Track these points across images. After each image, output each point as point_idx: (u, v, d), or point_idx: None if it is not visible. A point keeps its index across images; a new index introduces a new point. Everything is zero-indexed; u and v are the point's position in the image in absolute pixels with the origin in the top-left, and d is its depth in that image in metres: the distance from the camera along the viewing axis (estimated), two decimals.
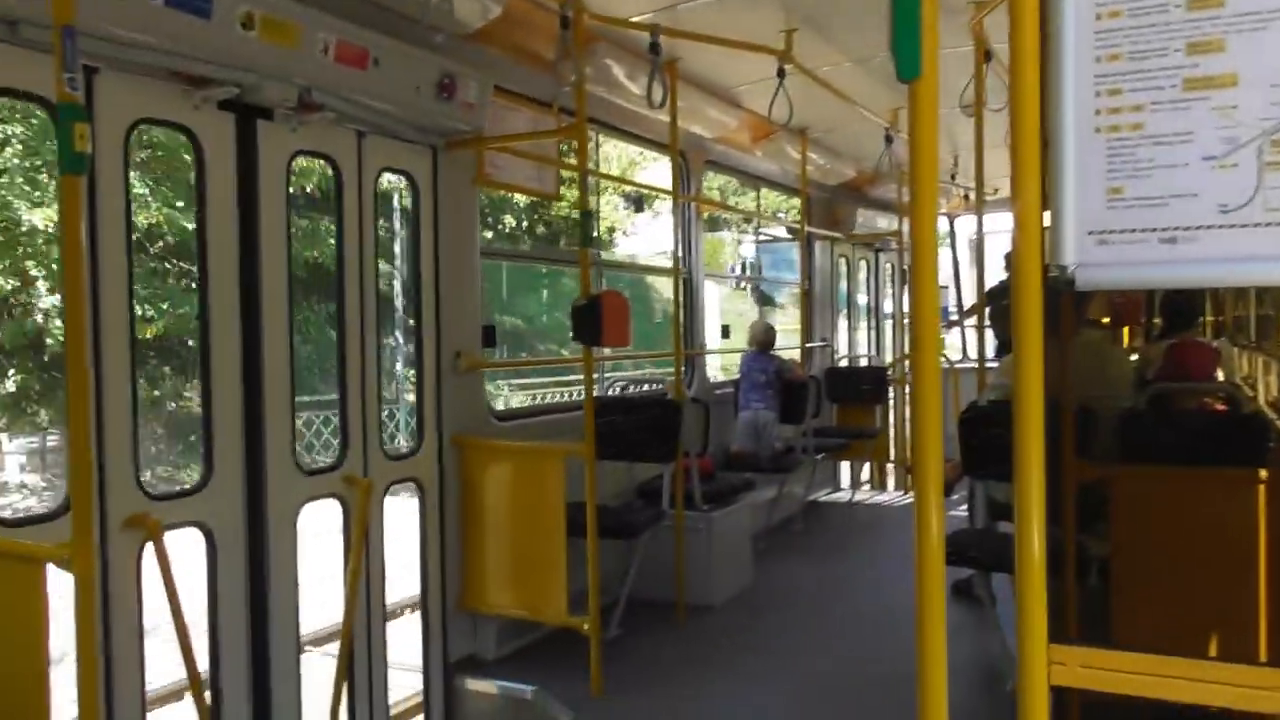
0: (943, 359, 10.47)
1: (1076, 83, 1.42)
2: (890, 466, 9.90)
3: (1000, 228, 7.03)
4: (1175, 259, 1.39)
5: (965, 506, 5.63)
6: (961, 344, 11.57)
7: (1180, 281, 1.50)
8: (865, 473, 9.71)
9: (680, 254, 5.79)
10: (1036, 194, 1.42)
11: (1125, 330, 5.92)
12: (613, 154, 16.91)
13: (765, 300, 14.06)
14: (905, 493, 9.14)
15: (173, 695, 6.04)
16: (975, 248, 7.15)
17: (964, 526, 5.09)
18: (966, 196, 10.13)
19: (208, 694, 3.39)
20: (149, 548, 3.12)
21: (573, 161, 4.94)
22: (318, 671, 4.00)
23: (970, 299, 11.48)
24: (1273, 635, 3.17)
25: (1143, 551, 3.42)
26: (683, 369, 5.79)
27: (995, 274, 7.36)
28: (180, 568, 3.15)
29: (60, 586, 2.40)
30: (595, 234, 4.71)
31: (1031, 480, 1.44)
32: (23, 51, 2.78)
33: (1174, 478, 3.44)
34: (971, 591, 5.55)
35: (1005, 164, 1.54)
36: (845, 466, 9.45)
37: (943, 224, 11.12)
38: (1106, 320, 5.46)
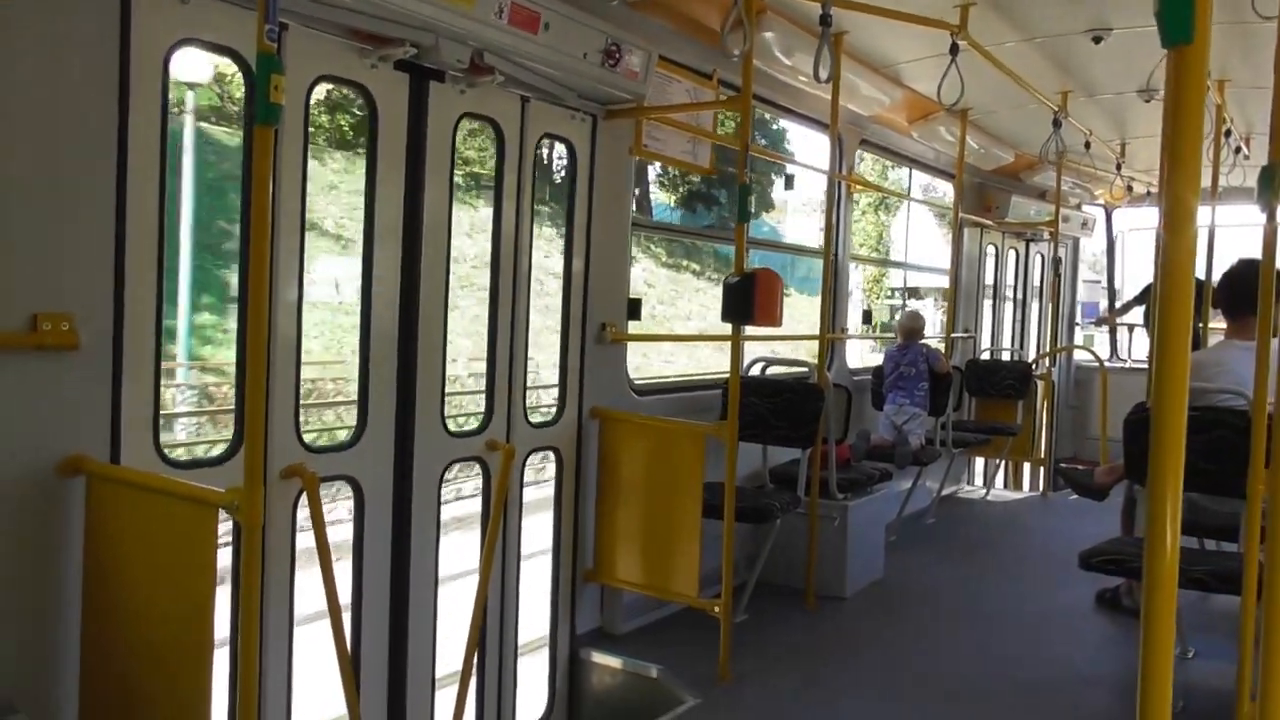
0: (1090, 357, 10.04)
1: None
2: (1028, 465, 9.52)
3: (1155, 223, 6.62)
4: None
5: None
6: (1111, 343, 11.04)
7: None
8: (1001, 471, 9.36)
9: (830, 235, 5.63)
10: None
11: None
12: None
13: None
14: (1043, 494, 8.76)
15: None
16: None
17: (1116, 535, 4.82)
18: (1130, 187, 9.59)
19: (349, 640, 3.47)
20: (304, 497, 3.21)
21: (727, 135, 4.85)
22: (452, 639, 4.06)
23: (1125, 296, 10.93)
24: None
25: None
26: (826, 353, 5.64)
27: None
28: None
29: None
30: (750, 210, 4.57)
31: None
32: (216, 4, 2.85)
33: None
34: (1119, 602, 5.28)
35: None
36: (979, 463, 9.12)
37: (1099, 215, 10.57)
38: None
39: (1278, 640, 1.27)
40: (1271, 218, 2.94)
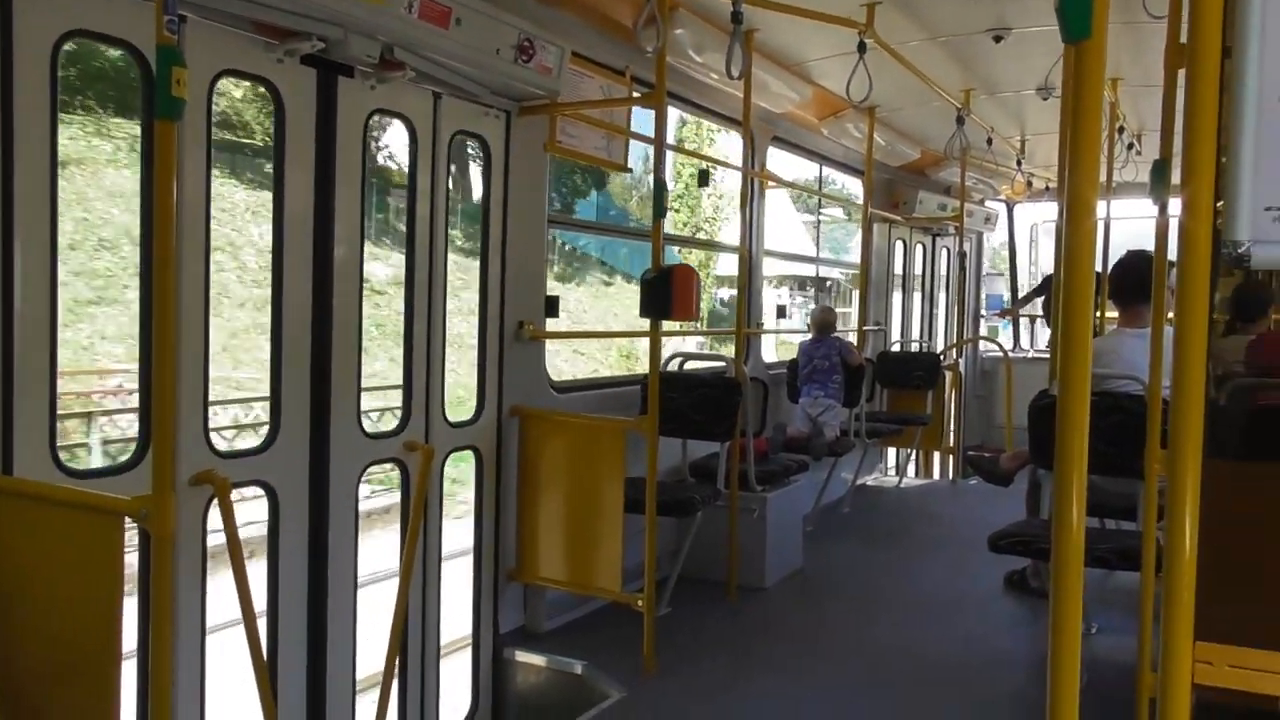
0: (995, 348, 10.33)
1: (1263, 47, 1.32)
2: (938, 454, 9.78)
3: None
4: None
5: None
6: (1014, 334, 11.41)
7: None
8: (912, 460, 9.60)
9: (745, 230, 5.69)
10: (1210, 167, 1.32)
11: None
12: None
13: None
14: (953, 481, 9.01)
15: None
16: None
17: (1022, 518, 4.99)
18: (1030, 183, 9.92)
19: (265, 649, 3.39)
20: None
21: (641, 132, 4.86)
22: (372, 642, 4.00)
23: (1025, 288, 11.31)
24: None
25: (1225, 547, 3.31)
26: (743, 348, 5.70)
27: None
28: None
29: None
30: (666, 206, 4.59)
31: (1187, 473, 1.35)
32: None
33: (1259, 473, 3.32)
34: (1026, 583, 5.46)
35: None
36: (892, 452, 9.33)
37: (1002, 210, 10.91)
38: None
39: (1176, 613, 1.33)
40: (1164, 210, 3.08)
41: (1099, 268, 7.06)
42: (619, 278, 22.58)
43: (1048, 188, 10.04)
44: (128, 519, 2.36)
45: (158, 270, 2.21)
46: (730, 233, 14.65)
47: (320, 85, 3.45)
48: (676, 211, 24.63)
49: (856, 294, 8.24)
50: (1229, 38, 1.34)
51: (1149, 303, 4.43)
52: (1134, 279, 4.53)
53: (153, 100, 2.18)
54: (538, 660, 4.46)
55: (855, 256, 8.98)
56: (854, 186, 9.08)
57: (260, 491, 3.47)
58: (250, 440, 10.44)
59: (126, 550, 2.50)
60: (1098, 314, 6.81)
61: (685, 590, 5.07)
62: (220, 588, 3.20)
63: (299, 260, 3.45)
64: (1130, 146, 7.82)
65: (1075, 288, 1.40)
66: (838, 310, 9.36)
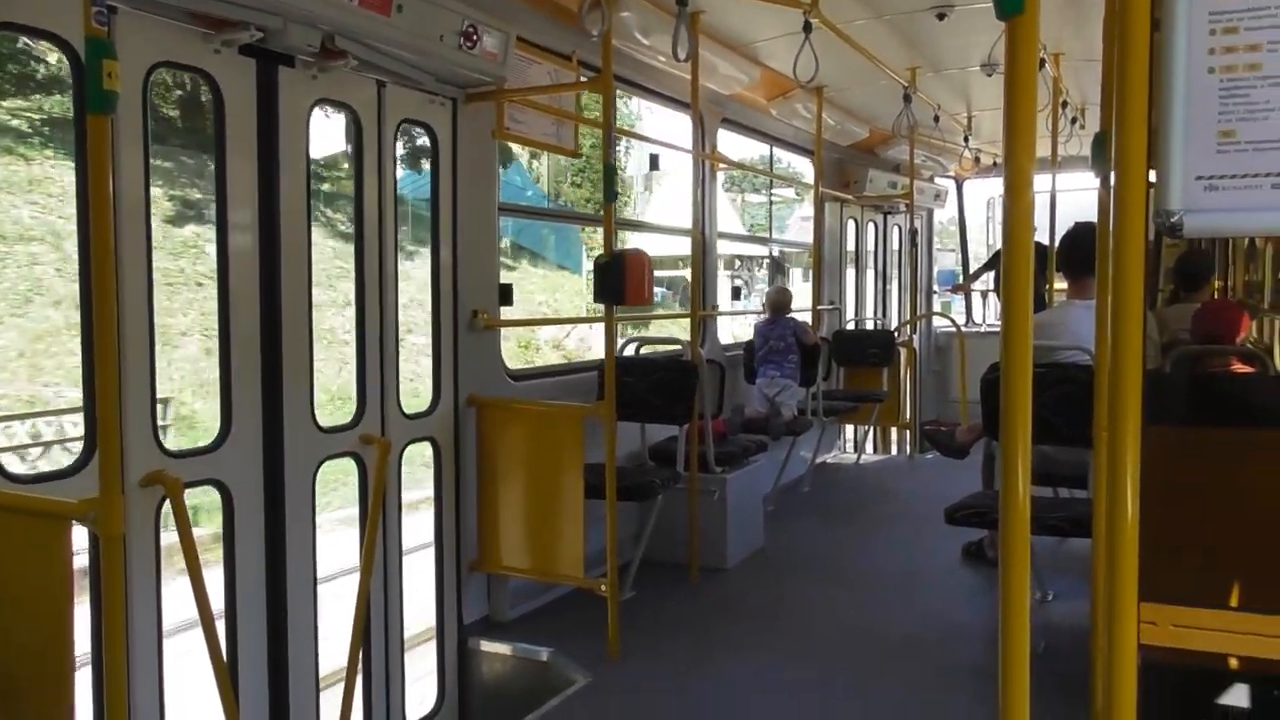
0: (949, 323, 10.46)
1: (1190, 20, 1.34)
2: (895, 430, 9.89)
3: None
4: None
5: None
6: (966, 308, 11.56)
7: None
8: (870, 436, 9.71)
9: (697, 213, 5.70)
10: (1142, 138, 1.35)
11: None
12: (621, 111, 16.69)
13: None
14: (910, 456, 9.12)
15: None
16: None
17: (977, 489, 5.07)
18: (977, 159, 10.03)
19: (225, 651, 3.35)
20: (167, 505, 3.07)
21: (592, 116, 4.84)
22: (334, 640, 3.97)
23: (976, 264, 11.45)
24: None
25: (1169, 512, 3.39)
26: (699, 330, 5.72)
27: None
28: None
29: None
30: (617, 191, 4.58)
31: (1128, 439, 1.38)
32: None
33: (1203, 439, 3.40)
34: (983, 554, 5.56)
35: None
36: (850, 430, 9.42)
37: (951, 187, 11.02)
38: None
39: (1121, 575, 1.36)
40: (1105, 183, 3.13)
41: (1046, 241, 7.18)
42: (545, 265, 22.24)
43: (995, 163, 10.16)
44: (76, 522, 2.32)
45: (96, 267, 2.16)
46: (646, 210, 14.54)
47: (260, 76, 3.39)
48: (579, 187, 24.38)
49: (799, 272, 8.29)
50: (1158, 10, 1.36)
51: (1086, 274, 4.52)
52: (1079, 251, 4.61)
53: (84, 94, 2.13)
54: (503, 649, 4.46)
55: (793, 234, 9.06)
56: (801, 165, 9.14)
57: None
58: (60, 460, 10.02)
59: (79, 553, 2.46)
60: (1046, 286, 6.93)
61: (648, 574, 5.09)
62: (178, 590, 3.16)
63: (245, 253, 3.40)
64: (1074, 120, 7.93)
65: (1015, 257, 1.42)
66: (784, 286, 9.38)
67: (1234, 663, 1.44)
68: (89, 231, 2.21)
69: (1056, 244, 6.04)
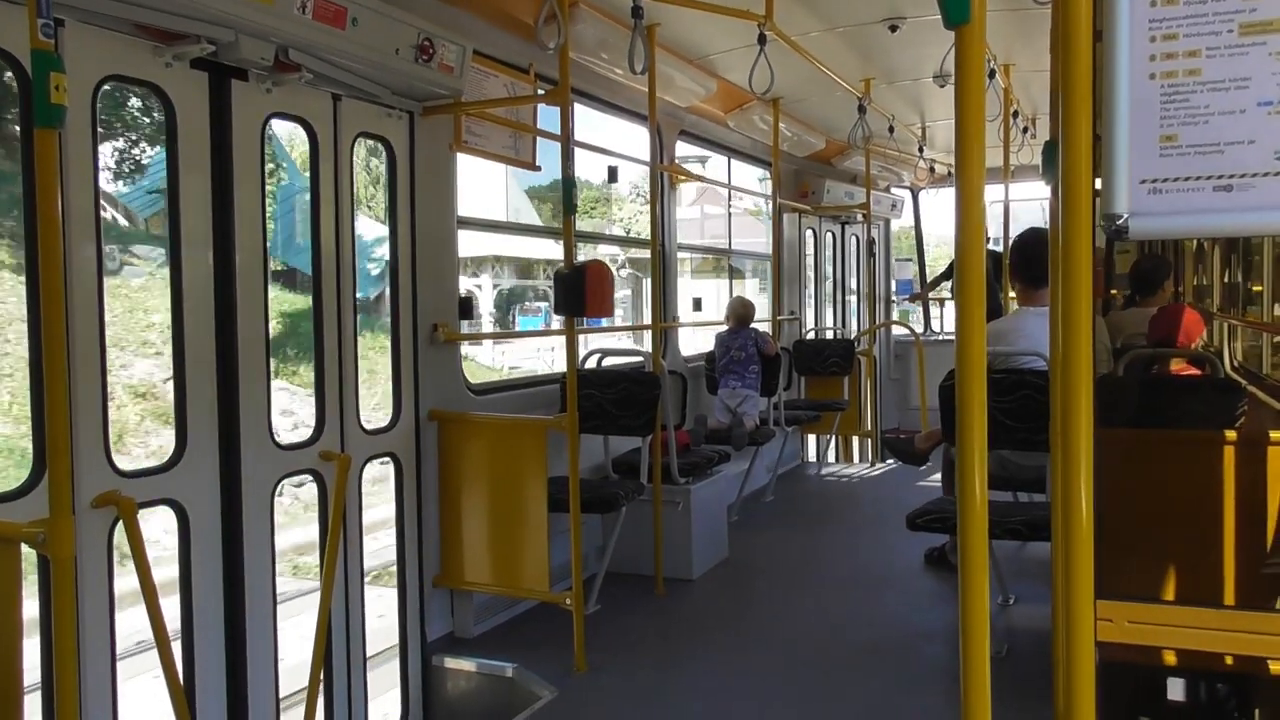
0: (907, 331, 10.57)
1: (1132, 28, 1.37)
2: (856, 439, 9.96)
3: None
4: (1231, 207, 1.35)
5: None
6: (924, 317, 11.70)
7: (1236, 230, 1.48)
8: (832, 445, 9.78)
9: (655, 225, 5.72)
10: (1087, 144, 1.37)
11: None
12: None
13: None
14: (872, 464, 9.20)
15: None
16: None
17: (938, 495, 5.12)
18: (932, 169, 10.17)
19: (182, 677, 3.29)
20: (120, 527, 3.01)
21: (547, 129, 4.84)
22: (294, 654, 3.91)
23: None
24: (1241, 587, 3.22)
25: (1124, 512, 3.45)
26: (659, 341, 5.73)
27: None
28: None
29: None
30: (576, 204, 4.60)
31: (1080, 441, 1.40)
32: None
33: (1153, 440, 3.47)
34: (945, 559, 5.61)
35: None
36: (812, 439, 9.48)
37: (907, 197, 11.16)
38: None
39: (1076, 573, 1.39)
40: (1056, 190, 3.19)
41: (1000, 249, 7.29)
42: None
43: (950, 173, 10.31)
44: (24, 545, 2.27)
45: (44, 283, 2.13)
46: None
47: (213, 89, 3.35)
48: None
49: (755, 282, 8.34)
50: (1099, 21, 1.39)
51: (1040, 281, 4.59)
52: (1030, 257, 4.68)
53: (31, 108, 2.10)
54: (467, 665, 4.42)
55: (739, 242, 9.13)
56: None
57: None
58: None
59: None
60: (1001, 294, 7.03)
61: (613, 586, 5.08)
62: (133, 613, 3.09)
63: (199, 267, 3.35)
64: (1025, 130, 8.08)
65: (968, 263, 1.44)
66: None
67: (1185, 658, 1.47)
68: (36, 247, 2.18)
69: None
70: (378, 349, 7.59)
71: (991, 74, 6.26)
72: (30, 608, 2.42)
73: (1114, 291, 7.02)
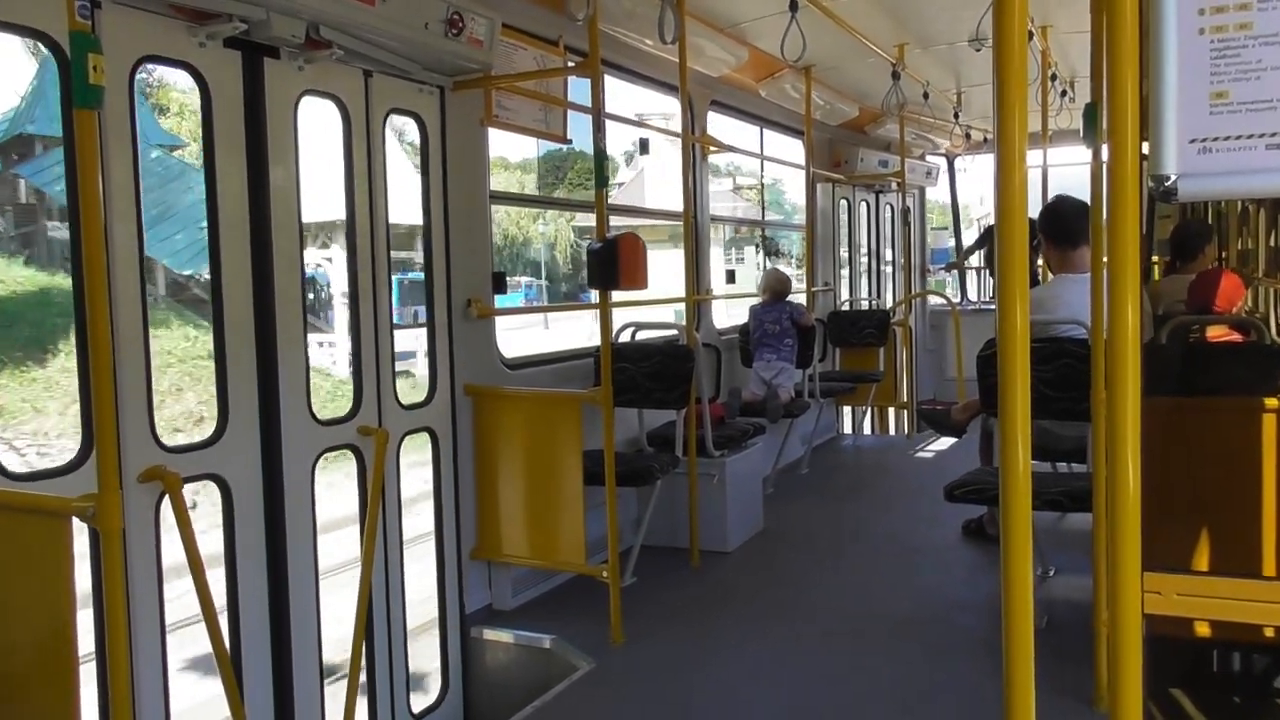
0: (943, 301, 10.48)
1: None
2: (892, 410, 9.90)
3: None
4: None
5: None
6: (960, 286, 11.57)
7: None
8: (867, 416, 9.73)
9: (688, 197, 5.68)
10: (1134, 104, 1.34)
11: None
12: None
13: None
14: (908, 435, 9.14)
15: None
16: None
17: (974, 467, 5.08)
18: (968, 135, 10.01)
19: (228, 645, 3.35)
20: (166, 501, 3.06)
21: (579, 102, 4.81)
22: (336, 627, 3.97)
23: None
24: None
25: (1169, 482, 3.40)
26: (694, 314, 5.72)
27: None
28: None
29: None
30: (608, 176, 4.59)
31: (1127, 412, 1.37)
32: None
33: (1194, 408, 3.41)
34: (984, 531, 5.57)
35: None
36: (847, 410, 9.44)
37: (942, 164, 11.01)
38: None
39: (1122, 545, 1.36)
40: (1097, 154, 3.12)
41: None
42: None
43: (986, 139, 10.15)
44: (75, 519, 2.32)
45: (88, 262, 2.16)
46: None
47: (246, 68, 3.37)
48: None
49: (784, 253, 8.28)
50: None
51: (1076, 247, 4.51)
52: (1062, 224, 4.58)
53: (70, 89, 2.12)
54: (505, 637, 4.47)
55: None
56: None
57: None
58: None
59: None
60: (1038, 262, 6.92)
61: (649, 559, 5.10)
62: (181, 587, 3.15)
63: (236, 247, 3.39)
64: (1064, 94, 7.92)
65: (1009, 232, 1.41)
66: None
67: (1225, 630, 1.45)
68: (80, 227, 2.21)
69: None
70: None
71: (1030, 36, 6.14)
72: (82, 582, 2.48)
73: (1155, 259, 6.89)
